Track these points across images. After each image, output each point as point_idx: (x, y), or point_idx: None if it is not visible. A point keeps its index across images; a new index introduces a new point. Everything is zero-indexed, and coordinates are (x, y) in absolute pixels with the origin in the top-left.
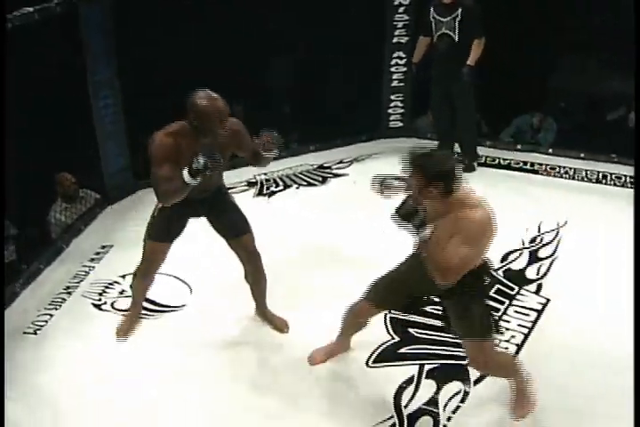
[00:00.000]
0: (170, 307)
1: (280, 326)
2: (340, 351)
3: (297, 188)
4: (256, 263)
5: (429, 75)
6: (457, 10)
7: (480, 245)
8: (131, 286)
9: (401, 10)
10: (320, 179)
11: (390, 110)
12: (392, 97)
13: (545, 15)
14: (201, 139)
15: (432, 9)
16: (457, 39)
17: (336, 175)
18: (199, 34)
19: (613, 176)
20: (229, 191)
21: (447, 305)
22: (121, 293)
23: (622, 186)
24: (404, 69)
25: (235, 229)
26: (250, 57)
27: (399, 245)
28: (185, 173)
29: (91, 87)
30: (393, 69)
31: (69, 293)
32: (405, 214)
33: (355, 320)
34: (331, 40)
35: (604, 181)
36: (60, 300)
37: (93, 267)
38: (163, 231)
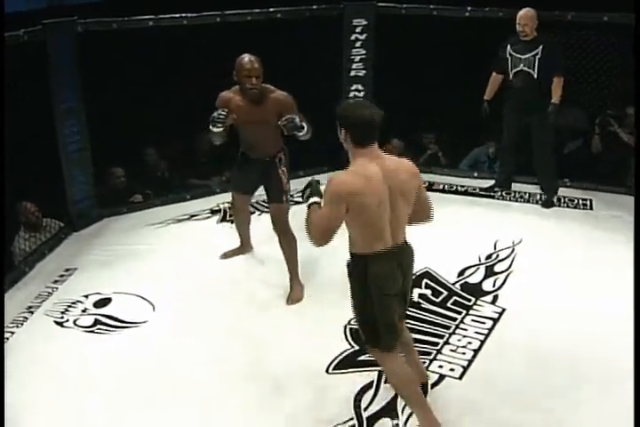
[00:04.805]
0: (132, 323)
1: (292, 296)
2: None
3: (259, 214)
4: (277, 229)
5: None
6: (537, 47)
7: (329, 208)
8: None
9: (358, 44)
10: None
11: None
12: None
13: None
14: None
15: (509, 46)
16: (536, 76)
17: (297, 203)
18: (167, 65)
19: (566, 199)
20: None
21: None
22: (84, 311)
23: (575, 208)
24: None
25: (268, 196)
26: (213, 87)
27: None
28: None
29: (57, 115)
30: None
31: (31, 312)
32: (308, 187)
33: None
34: (289, 74)
35: (557, 204)
36: (21, 318)
37: (57, 288)
38: (235, 184)
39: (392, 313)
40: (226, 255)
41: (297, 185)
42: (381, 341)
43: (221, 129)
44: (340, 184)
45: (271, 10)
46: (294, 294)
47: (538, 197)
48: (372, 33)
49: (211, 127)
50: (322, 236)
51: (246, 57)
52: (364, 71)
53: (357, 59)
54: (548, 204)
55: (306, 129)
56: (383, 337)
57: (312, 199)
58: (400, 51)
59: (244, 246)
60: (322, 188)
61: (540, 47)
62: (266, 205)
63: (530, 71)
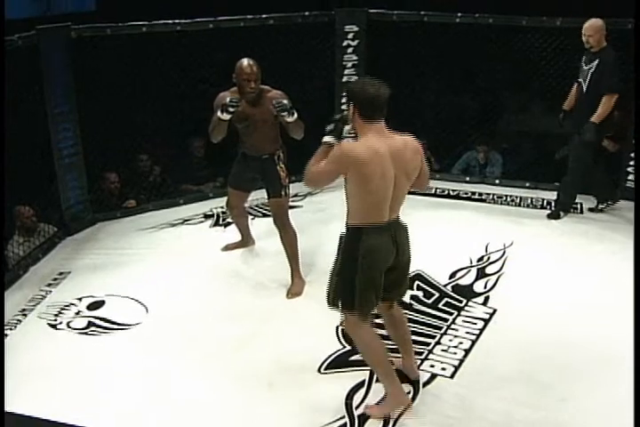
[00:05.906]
0: (125, 325)
1: (291, 290)
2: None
3: (252, 219)
4: (278, 224)
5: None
6: (595, 60)
7: (330, 166)
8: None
9: (349, 50)
10: None
11: None
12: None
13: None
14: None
15: (584, 56)
16: (585, 90)
17: (290, 207)
18: (160, 71)
19: None
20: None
21: None
22: (77, 313)
23: None
24: None
25: (267, 191)
26: (205, 93)
27: None
28: (219, 111)
29: (50, 120)
30: (345, 107)
31: (25, 314)
32: (333, 122)
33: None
34: (282, 80)
35: (548, 207)
36: (15, 321)
37: (50, 291)
38: (231, 180)
39: (372, 286)
40: (227, 248)
41: (293, 190)
42: (356, 306)
43: (231, 116)
44: (349, 150)
45: (264, 16)
46: (294, 288)
47: (529, 200)
48: (363, 39)
49: (219, 114)
50: (312, 180)
51: (245, 61)
52: (355, 77)
53: (349, 64)
54: (553, 215)
55: (295, 116)
56: (359, 304)
57: (327, 138)
58: (391, 57)
59: (245, 240)
60: (347, 128)
61: (596, 62)
62: (260, 209)
63: (583, 84)
